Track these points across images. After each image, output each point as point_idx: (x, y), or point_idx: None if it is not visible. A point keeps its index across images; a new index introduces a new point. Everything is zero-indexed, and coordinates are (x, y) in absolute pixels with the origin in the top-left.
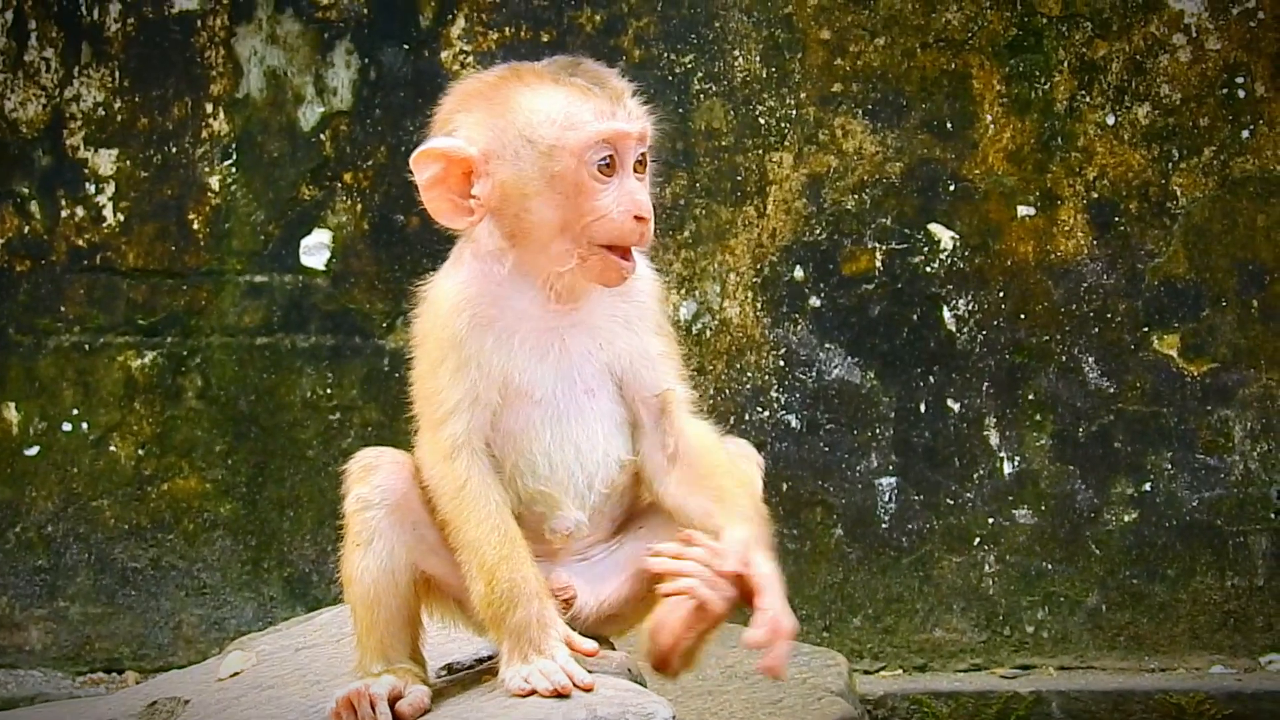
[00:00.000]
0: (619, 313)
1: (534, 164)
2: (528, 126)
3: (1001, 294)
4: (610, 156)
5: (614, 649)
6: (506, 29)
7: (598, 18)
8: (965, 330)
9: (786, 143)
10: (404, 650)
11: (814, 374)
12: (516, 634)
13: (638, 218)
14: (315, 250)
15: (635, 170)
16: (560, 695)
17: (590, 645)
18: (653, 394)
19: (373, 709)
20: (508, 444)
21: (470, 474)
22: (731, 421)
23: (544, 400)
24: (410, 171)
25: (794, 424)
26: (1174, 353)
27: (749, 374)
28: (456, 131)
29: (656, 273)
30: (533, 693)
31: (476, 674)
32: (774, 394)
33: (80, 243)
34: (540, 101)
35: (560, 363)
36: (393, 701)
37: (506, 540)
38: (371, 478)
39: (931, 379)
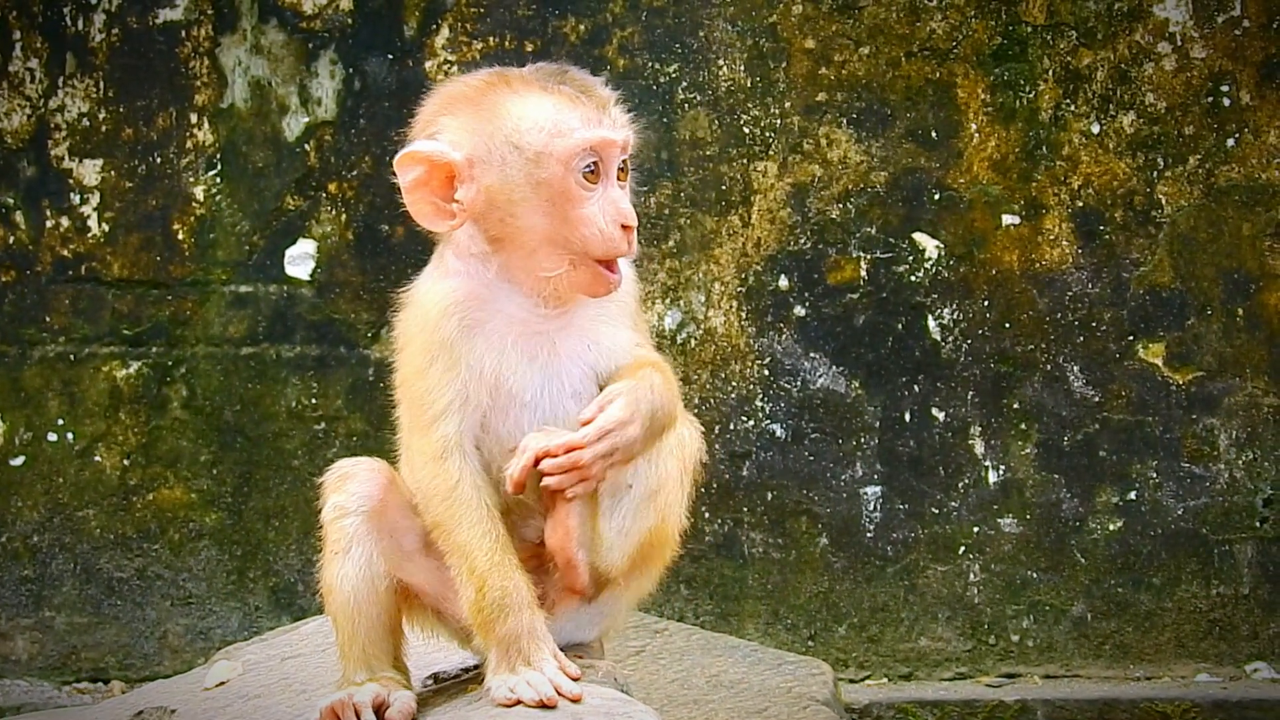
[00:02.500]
0: (604, 311)
1: (520, 170)
2: (515, 133)
3: (986, 303)
4: (595, 164)
5: (600, 658)
6: (491, 39)
7: (582, 27)
8: (950, 339)
9: (771, 152)
10: (387, 659)
11: (799, 383)
12: (506, 644)
13: (624, 226)
14: (300, 260)
15: (617, 178)
16: (546, 707)
17: (575, 669)
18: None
19: (358, 717)
20: (495, 448)
21: (462, 475)
22: (716, 431)
23: (532, 403)
24: (394, 173)
25: (779, 433)
26: (1159, 361)
27: (734, 383)
28: (441, 135)
29: (634, 268)
30: (518, 703)
31: (462, 684)
32: (759, 403)
33: (65, 253)
34: (528, 108)
35: (549, 365)
36: (378, 709)
37: (499, 547)
38: (348, 485)
39: (916, 388)
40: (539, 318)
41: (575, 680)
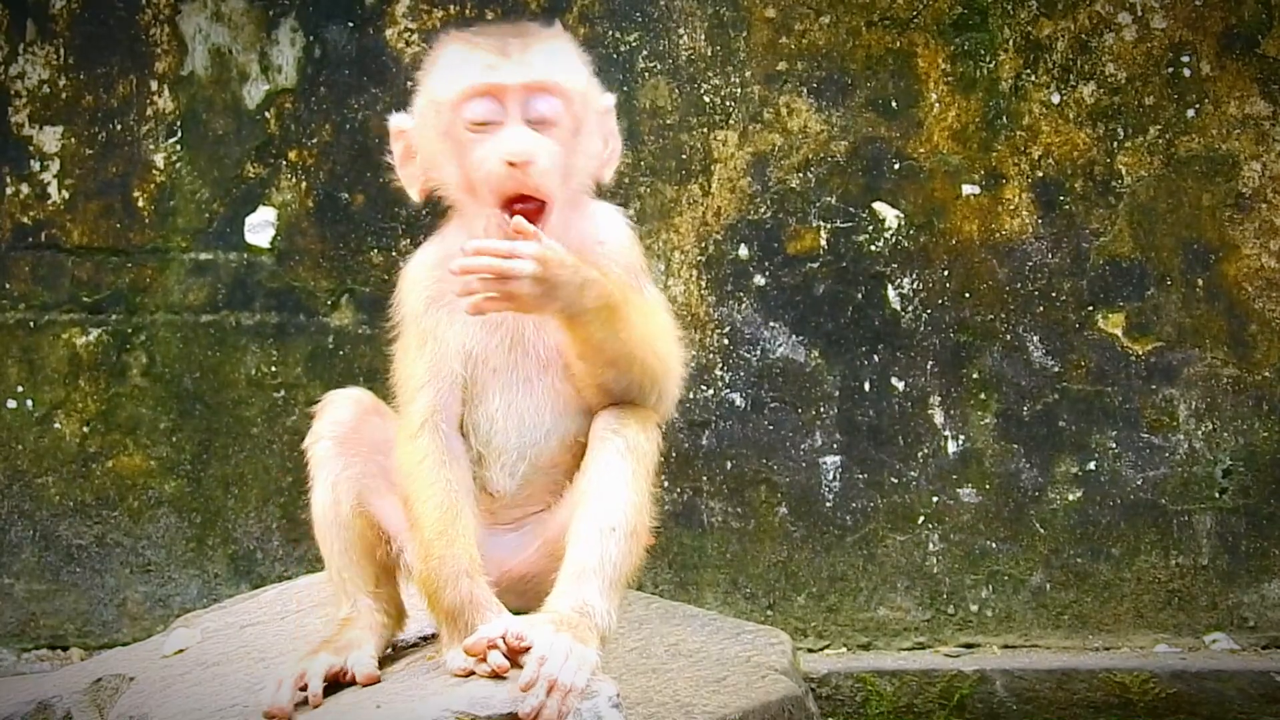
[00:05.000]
0: None
1: (432, 122)
2: (429, 87)
3: (946, 273)
4: (493, 111)
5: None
6: (451, 7)
7: None
8: (910, 309)
9: (731, 121)
10: (364, 585)
11: (758, 352)
12: (451, 616)
13: (510, 164)
14: (260, 228)
15: (536, 126)
16: (499, 677)
17: (527, 641)
18: None
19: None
20: (469, 420)
21: (428, 452)
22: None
23: (499, 370)
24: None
25: (738, 402)
26: (1119, 332)
27: (693, 352)
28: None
29: (629, 225)
30: (472, 674)
31: (424, 650)
32: (718, 372)
33: (25, 220)
34: (440, 60)
35: (514, 334)
36: (336, 678)
37: (445, 517)
38: (327, 412)
39: (876, 357)
40: None
41: (526, 651)
